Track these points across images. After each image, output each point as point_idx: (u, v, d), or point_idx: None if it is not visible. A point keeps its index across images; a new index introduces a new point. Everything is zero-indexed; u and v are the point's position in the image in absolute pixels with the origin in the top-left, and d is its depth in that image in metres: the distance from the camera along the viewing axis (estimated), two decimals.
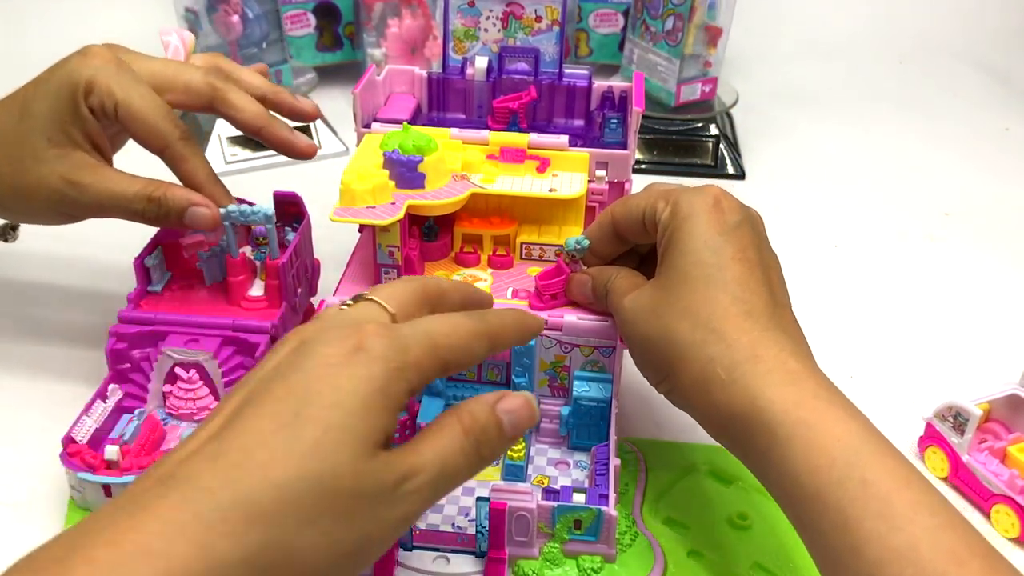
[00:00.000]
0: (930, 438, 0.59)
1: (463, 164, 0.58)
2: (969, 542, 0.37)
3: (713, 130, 0.99)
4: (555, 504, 0.49)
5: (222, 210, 0.57)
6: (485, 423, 0.37)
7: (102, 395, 0.57)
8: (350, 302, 0.39)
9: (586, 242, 0.55)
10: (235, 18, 0.98)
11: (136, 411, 0.57)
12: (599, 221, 0.54)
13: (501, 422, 0.38)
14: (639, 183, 0.58)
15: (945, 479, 0.59)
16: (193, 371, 0.57)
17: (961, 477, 0.58)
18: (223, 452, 0.33)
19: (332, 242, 0.69)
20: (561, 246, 0.60)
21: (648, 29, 1.00)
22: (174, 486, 0.32)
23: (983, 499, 0.56)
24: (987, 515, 0.56)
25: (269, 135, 0.59)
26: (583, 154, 0.61)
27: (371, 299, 0.39)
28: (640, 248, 0.56)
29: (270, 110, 0.61)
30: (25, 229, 0.84)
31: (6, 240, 0.67)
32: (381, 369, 0.35)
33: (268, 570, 0.32)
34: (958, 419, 0.57)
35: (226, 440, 0.33)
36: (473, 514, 0.53)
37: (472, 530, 0.52)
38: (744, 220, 0.48)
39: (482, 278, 0.60)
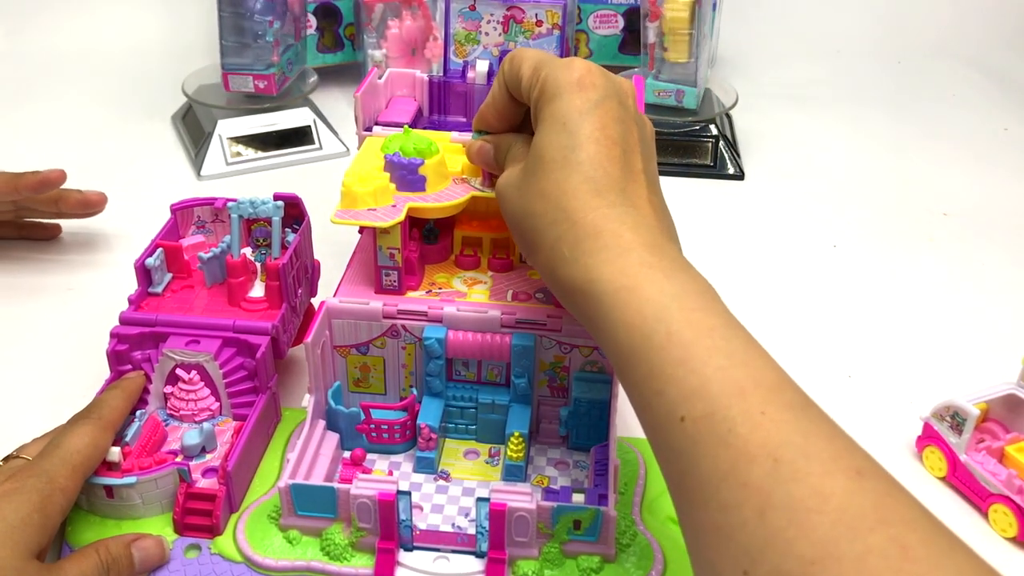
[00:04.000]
0: (928, 438, 0.60)
1: (464, 167, 0.59)
2: (757, 377, 0.39)
3: (712, 131, 0.99)
4: (555, 504, 0.49)
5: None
6: (117, 554, 0.49)
7: None
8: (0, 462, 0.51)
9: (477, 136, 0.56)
10: None
11: (137, 412, 0.57)
12: (497, 81, 0.54)
13: (132, 556, 0.49)
14: None
15: (943, 479, 0.59)
16: (194, 372, 0.57)
17: (959, 477, 0.58)
18: None
19: (332, 243, 0.69)
20: None
21: None
22: None
23: (981, 499, 0.56)
24: (985, 515, 0.56)
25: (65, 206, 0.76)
26: None
27: (14, 456, 0.51)
28: None
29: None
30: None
31: None
32: (36, 496, 0.46)
33: None
34: (956, 419, 0.57)
35: None
36: (473, 514, 0.53)
37: (472, 530, 0.52)
38: (608, 96, 0.48)
39: (482, 280, 0.60)
